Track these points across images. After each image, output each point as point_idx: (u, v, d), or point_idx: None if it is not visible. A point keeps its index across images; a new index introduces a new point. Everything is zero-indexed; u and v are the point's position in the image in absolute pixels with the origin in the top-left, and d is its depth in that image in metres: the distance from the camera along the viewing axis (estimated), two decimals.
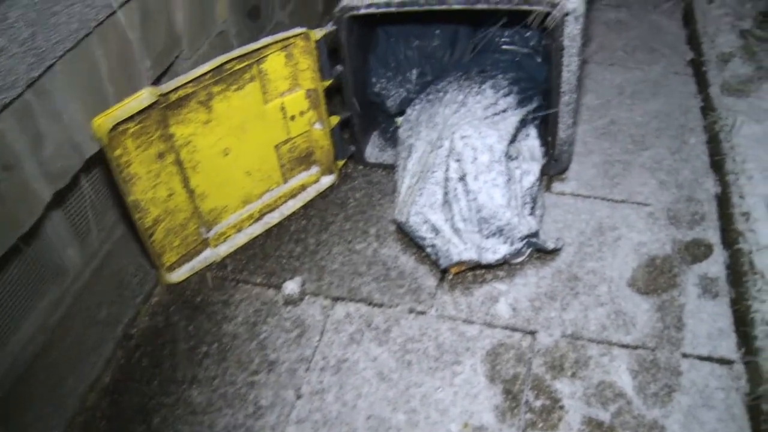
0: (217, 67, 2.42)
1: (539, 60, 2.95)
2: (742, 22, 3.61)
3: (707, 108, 3.21)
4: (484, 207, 2.45)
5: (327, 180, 2.96)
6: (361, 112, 2.93)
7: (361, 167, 3.08)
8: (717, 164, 2.94)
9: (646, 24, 3.88)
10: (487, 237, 2.46)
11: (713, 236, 2.66)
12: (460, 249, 2.44)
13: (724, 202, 2.76)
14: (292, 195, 2.91)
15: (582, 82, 3.39)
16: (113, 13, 2.22)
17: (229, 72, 2.47)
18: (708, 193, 2.84)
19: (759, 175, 2.76)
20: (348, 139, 3.02)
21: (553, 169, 2.85)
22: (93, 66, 2.17)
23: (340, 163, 3.00)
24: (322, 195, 2.95)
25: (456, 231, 2.47)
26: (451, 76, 2.82)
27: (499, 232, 2.45)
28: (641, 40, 3.76)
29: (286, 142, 2.80)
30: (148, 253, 2.55)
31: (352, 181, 3.01)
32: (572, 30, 2.46)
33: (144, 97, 2.24)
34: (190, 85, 2.38)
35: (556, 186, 2.89)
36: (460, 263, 2.46)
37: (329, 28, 2.65)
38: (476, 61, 2.87)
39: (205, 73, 2.39)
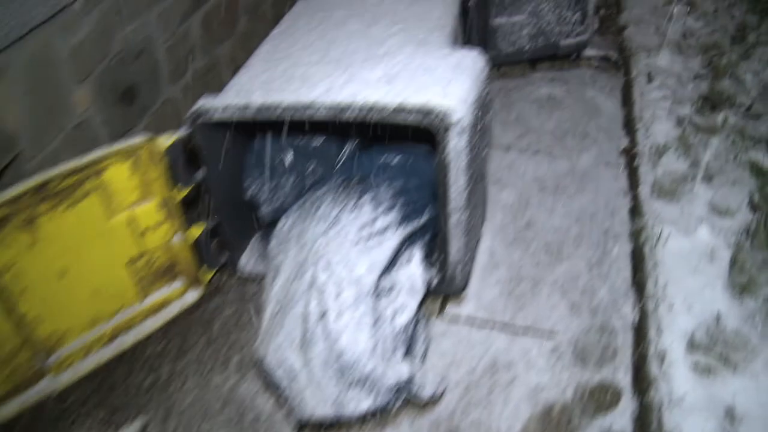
0: (39, 186, 2.08)
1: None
2: (681, 106, 3.27)
3: (636, 211, 2.86)
4: (347, 351, 2.09)
5: (193, 294, 2.60)
6: (233, 218, 2.59)
7: (237, 277, 2.72)
8: (639, 283, 2.58)
9: (581, 103, 3.53)
10: (349, 387, 2.10)
11: (624, 379, 2.30)
12: (315, 401, 2.08)
13: (640, 335, 2.41)
14: (152, 312, 2.55)
15: (497, 175, 3.06)
16: None
17: (55, 190, 2.13)
18: (624, 321, 2.48)
19: (681, 304, 2.40)
20: (219, 247, 2.67)
21: (447, 289, 2.49)
22: None
23: (209, 275, 2.64)
24: (188, 311, 2.59)
25: (313, 379, 2.11)
26: (332, 182, 2.47)
27: (363, 381, 2.09)
28: (574, 121, 3.41)
29: (140, 256, 2.45)
30: None
31: (223, 294, 2.66)
32: (457, 144, 2.11)
33: None
34: (4, 208, 2.04)
35: (450, 309, 2.53)
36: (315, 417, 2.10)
37: (181, 133, 2.31)
38: (362, 164, 2.53)
39: (23, 194, 2.05)
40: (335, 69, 2.38)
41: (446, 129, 2.07)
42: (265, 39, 2.84)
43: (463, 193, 2.21)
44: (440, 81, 2.20)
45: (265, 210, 2.59)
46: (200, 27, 3.34)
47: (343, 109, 2.12)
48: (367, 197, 2.37)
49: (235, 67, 3.74)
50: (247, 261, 2.68)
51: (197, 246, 2.55)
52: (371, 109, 2.10)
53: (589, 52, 3.86)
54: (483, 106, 2.29)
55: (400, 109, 2.09)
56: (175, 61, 3.15)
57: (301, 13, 2.98)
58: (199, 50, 3.37)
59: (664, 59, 3.64)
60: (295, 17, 2.96)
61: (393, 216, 2.34)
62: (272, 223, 2.59)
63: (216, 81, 3.56)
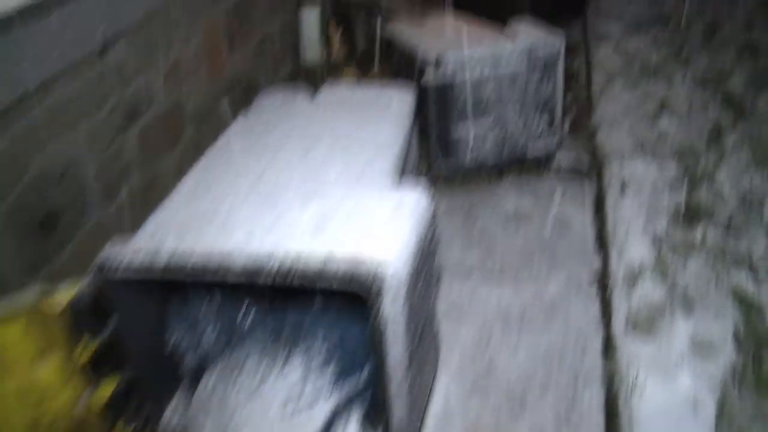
0: None
1: None
2: (657, 219, 3.04)
3: (608, 349, 2.57)
4: None
5: None
6: (154, 369, 2.28)
7: None
8: None
9: (550, 217, 3.29)
10: None
11: None
12: None
13: None
14: None
15: (456, 306, 2.79)
16: None
17: None
18: None
19: None
20: (139, 402, 2.35)
21: None
22: None
23: None
24: None
25: None
26: (260, 334, 2.19)
27: None
28: (542, 240, 3.15)
29: (38, 422, 2.13)
30: None
31: None
32: (393, 309, 1.83)
33: None
34: None
35: None
36: None
37: (84, 285, 2.03)
38: (295, 314, 2.24)
39: None
40: (263, 205, 2.15)
41: (378, 293, 1.80)
42: (197, 161, 2.63)
43: (403, 358, 1.91)
44: (374, 230, 1.94)
45: (189, 364, 2.29)
46: (137, 140, 3.10)
47: (261, 267, 1.85)
48: (298, 353, 2.08)
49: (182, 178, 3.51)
50: (172, 416, 2.36)
51: (111, 403, 2.24)
52: (291, 270, 1.83)
53: (559, 157, 3.66)
54: (426, 254, 2.03)
55: (324, 271, 1.82)
56: (106, 180, 2.89)
57: (239, 131, 2.77)
58: (137, 166, 3.12)
59: (638, 165, 3.43)
60: (233, 136, 2.74)
61: (327, 375, 2.05)
62: (199, 374, 2.29)
63: (159, 195, 3.27)
